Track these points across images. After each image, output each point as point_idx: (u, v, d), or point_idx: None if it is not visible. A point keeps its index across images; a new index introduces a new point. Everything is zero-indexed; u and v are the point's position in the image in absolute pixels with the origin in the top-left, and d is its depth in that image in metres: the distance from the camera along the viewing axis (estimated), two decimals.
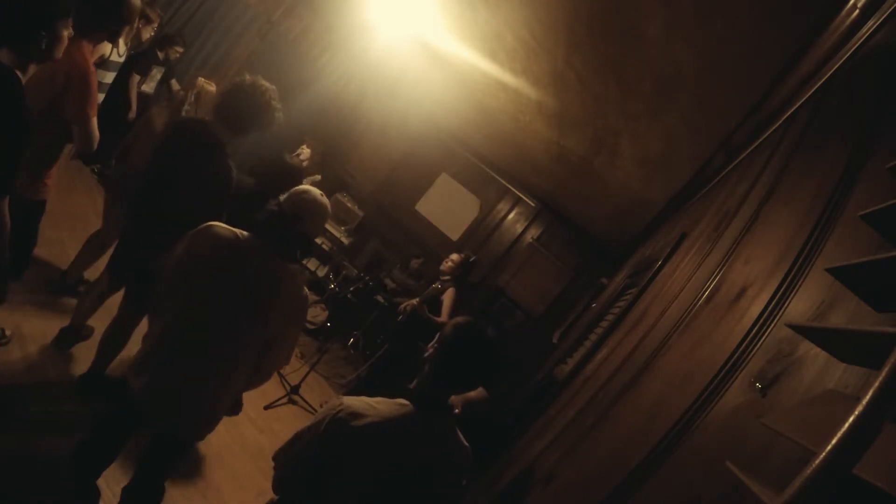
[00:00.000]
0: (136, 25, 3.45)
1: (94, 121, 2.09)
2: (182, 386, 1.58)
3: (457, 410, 2.07)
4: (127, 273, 2.31)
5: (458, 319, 1.33)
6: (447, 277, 3.93)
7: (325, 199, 1.72)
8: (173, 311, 1.58)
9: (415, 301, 3.86)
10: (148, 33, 3.94)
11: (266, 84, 2.15)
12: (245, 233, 1.63)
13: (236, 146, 2.19)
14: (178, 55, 4.87)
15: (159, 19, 3.96)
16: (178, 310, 1.58)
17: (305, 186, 1.72)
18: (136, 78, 4.49)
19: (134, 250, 2.24)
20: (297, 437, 1.26)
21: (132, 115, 4.45)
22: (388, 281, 5.29)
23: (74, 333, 2.60)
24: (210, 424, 1.70)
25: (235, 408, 2.01)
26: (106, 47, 2.82)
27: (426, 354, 1.32)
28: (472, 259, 4.06)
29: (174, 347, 1.57)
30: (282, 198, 1.69)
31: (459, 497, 1.35)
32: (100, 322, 2.48)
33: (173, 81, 5.00)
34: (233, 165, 2.12)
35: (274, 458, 1.28)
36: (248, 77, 2.14)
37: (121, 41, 3.09)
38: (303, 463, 1.23)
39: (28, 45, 1.53)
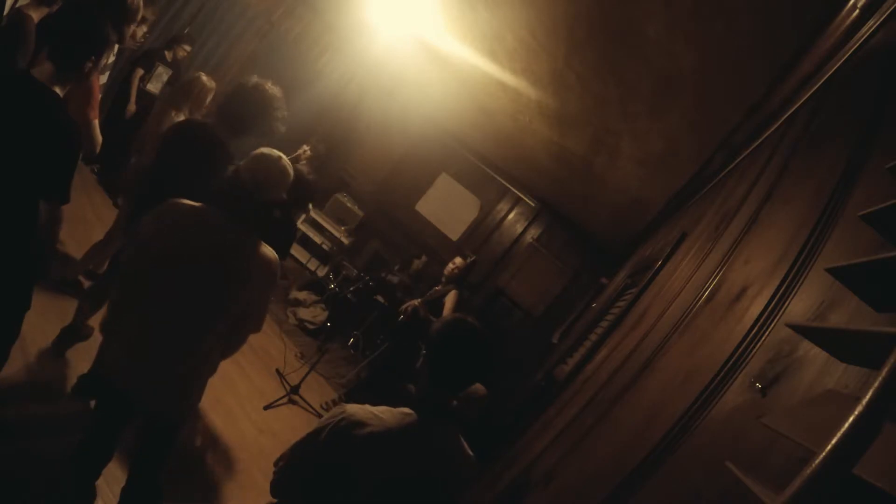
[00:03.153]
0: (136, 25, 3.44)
1: (97, 123, 2.09)
2: (158, 364, 1.58)
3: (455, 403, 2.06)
4: None
5: (445, 318, 1.32)
6: (450, 280, 3.94)
7: (283, 162, 1.66)
8: (142, 290, 1.57)
9: (416, 301, 3.86)
10: (141, 31, 3.92)
11: (271, 88, 2.13)
12: (206, 205, 1.59)
13: (237, 146, 2.20)
14: (186, 54, 4.86)
15: (146, 14, 3.92)
16: (147, 288, 1.56)
17: (263, 149, 1.65)
18: (140, 72, 4.48)
19: None
20: (299, 444, 1.25)
21: (131, 108, 4.44)
22: (390, 278, 5.30)
23: (75, 333, 2.60)
24: (192, 397, 1.71)
25: (212, 373, 2.00)
26: None
27: (419, 363, 1.32)
28: (472, 259, 4.07)
29: (146, 327, 1.56)
30: (240, 163, 1.64)
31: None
32: (98, 322, 2.48)
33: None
34: (232, 166, 2.12)
35: (275, 464, 1.28)
36: (253, 79, 2.12)
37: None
38: (302, 470, 1.22)
39: (74, 68, 1.59)
